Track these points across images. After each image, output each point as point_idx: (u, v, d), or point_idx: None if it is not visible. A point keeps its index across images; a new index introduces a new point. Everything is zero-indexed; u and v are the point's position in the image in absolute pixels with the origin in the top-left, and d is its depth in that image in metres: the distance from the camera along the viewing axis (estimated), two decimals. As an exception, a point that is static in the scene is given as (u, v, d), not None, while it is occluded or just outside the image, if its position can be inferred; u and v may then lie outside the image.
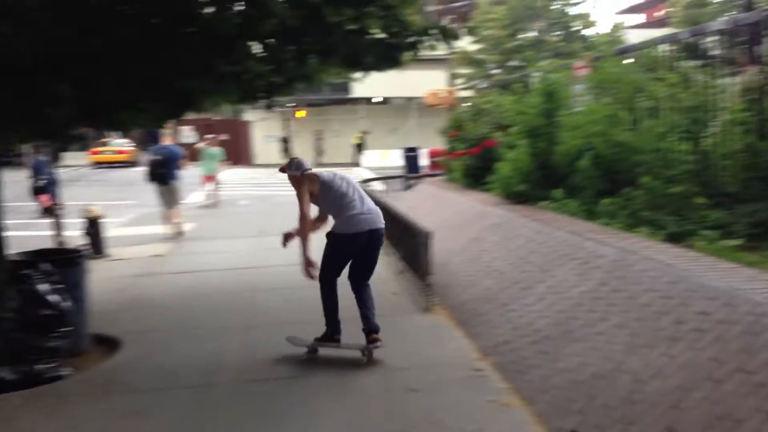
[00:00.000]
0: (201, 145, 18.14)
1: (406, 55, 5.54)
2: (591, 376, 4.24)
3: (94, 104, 4.72)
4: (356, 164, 35.00)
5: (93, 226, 10.71)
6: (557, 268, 5.73)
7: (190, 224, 14.36)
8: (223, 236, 12.77)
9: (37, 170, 11.81)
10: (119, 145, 38.30)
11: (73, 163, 38.42)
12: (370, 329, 5.48)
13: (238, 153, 38.31)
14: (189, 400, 4.85)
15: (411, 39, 5.28)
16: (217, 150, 17.60)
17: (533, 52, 25.21)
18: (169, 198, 12.27)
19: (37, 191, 12.03)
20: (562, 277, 5.54)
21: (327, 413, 4.49)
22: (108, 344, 6.28)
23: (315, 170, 5.87)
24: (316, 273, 5.69)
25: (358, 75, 5.83)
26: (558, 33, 32.01)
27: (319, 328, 5.73)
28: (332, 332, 5.67)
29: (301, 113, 35.66)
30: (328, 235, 5.76)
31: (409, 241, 7.80)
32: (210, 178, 17.61)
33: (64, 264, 5.86)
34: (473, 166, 10.88)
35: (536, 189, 8.21)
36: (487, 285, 6.57)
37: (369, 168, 31.76)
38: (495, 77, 27.26)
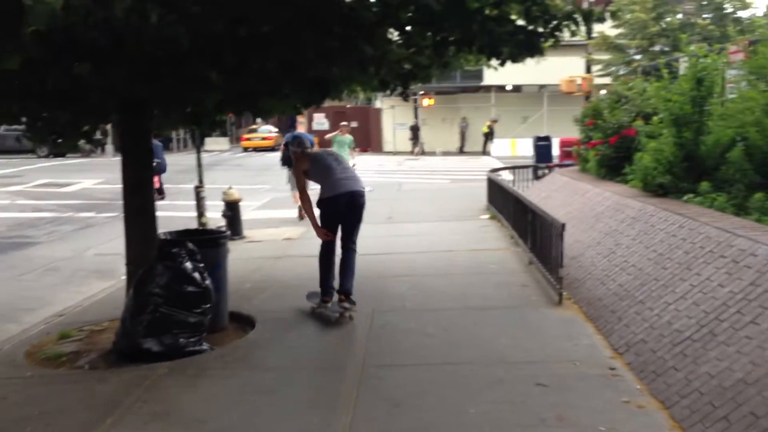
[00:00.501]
0: (334, 133, 18.54)
1: (547, 43, 5.36)
2: (738, 381, 3.95)
3: (240, 91, 4.92)
4: (485, 153, 34.63)
5: (231, 209, 11.24)
6: (702, 266, 5.38)
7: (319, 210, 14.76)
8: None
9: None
10: (267, 131, 40.05)
11: (214, 149, 40.65)
12: (342, 291, 6.40)
13: (368, 140, 38.97)
14: (317, 381, 4.98)
15: (552, 25, 5.10)
16: (348, 137, 17.95)
17: (681, 35, 23.88)
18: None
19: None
20: (707, 276, 5.19)
21: (455, 402, 4.47)
22: (243, 322, 6.57)
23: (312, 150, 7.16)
24: (331, 236, 6.64)
25: (494, 63, 5.73)
26: (708, 15, 30.06)
27: (454, 316, 5.72)
28: (323, 293, 6.63)
29: (430, 101, 35.65)
30: (318, 203, 6.64)
31: (539, 232, 7.61)
32: None
33: (207, 244, 6.18)
34: (609, 156, 10.42)
35: (679, 181, 7.74)
36: (623, 281, 6.29)
37: (498, 157, 31.34)
38: (636, 63, 25.99)
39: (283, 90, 5.61)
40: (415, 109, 36.39)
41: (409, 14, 4.76)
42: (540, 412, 4.26)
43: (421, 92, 33.64)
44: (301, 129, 14.27)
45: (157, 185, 13.83)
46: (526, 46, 5.24)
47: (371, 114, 41.28)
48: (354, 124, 40.83)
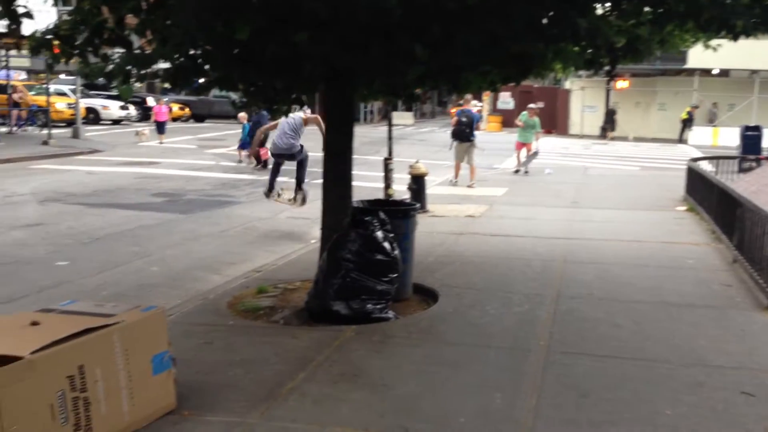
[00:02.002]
0: (523, 113, 18.28)
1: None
2: None
3: (441, 65, 4.93)
4: (682, 141, 32.40)
5: (417, 183, 11.41)
6: None
7: (502, 189, 14.61)
8: (535, 204, 12.75)
9: (257, 124, 15.40)
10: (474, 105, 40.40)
11: (399, 123, 41.50)
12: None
13: (553, 122, 37.89)
14: (499, 361, 4.93)
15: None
16: (536, 119, 17.65)
17: None
18: (466, 154, 14.99)
19: (261, 143, 15.74)
20: None
21: (649, 400, 4.24)
22: (427, 295, 6.67)
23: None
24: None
25: (715, 43, 5.24)
26: None
27: (646, 310, 5.41)
28: (270, 188, 11.53)
29: (623, 84, 33.83)
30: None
31: (747, 227, 6.99)
32: (524, 145, 17.76)
33: (398, 215, 6.32)
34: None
35: None
36: None
37: (697, 146, 29.20)
38: None
39: (485, 65, 5.55)
40: (608, 91, 34.72)
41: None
42: (745, 422, 3.94)
43: (616, 74, 32.02)
44: (467, 106, 15.56)
45: (264, 155, 15.69)
46: (765, 21, 4.73)
47: (559, 95, 40.01)
48: (540, 105, 40.03)
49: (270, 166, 12.84)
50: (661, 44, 5.74)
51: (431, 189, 13.63)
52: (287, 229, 10.48)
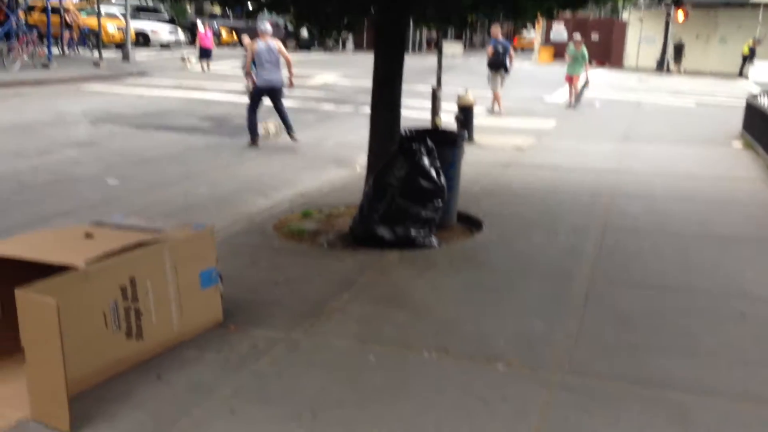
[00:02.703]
0: (568, 44, 17.79)
1: None
2: None
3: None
4: (742, 76, 31.13)
5: (464, 113, 11.28)
6: None
7: (551, 122, 14.34)
8: (585, 137, 12.51)
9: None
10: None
11: (448, 53, 40.73)
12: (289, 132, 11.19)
13: (608, 54, 36.76)
14: (542, 289, 4.94)
15: None
16: (583, 50, 17.13)
17: None
18: (499, 81, 15.27)
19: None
20: None
21: (689, 329, 4.23)
22: (471, 223, 6.66)
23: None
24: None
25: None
26: None
27: (692, 243, 5.32)
28: (252, 135, 10.96)
29: (683, 15, 32.42)
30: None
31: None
32: (572, 78, 17.30)
33: (445, 143, 6.28)
34: None
35: None
36: None
37: (757, 83, 28.03)
38: None
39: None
40: (667, 23, 33.35)
41: None
42: (789, 354, 3.90)
43: (677, 3, 30.67)
44: (500, 37, 15.35)
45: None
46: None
47: (615, 27, 38.62)
48: (594, 37, 38.71)
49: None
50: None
51: (478, 120, 13.47)
52: (333, 155, 10.52)
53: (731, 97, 21.00)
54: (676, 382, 3.57)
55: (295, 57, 26.27)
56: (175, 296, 3.82)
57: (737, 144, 11.63)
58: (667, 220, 6.79)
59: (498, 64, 15.10)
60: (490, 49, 15.44)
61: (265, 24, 11.10)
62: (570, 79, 17.45)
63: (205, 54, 24.26)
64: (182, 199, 7.65)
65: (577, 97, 17.38)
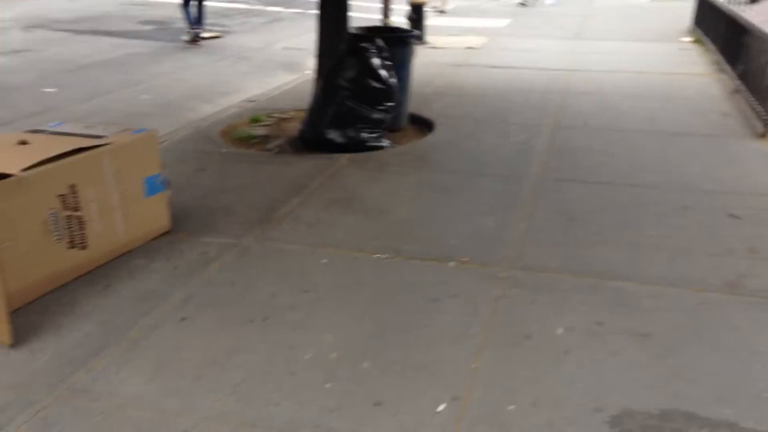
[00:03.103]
0: None
1: None
2: None
3: None
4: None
5: (417, 12, 10.98)
6: None
7: (504, 21, 14.10)
8: (537, 35, 12.36)
9: None
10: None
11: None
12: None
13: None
14: (494, 188, 4.96)
15: None
16: None
17: None
18: None
19: None
20: None
21: (634, 223, 4.31)
22: (423, 125, 6.60)
23: None
24: None
25: None
26: None
27: (641, 138, 5.37)
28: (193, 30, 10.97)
29: None
30: None
31: (754, 56, 6.79)
32: None
33: (395, 43, 6.11)
34: None
35: None
36: None
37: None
38: None
39: None
40: None
41: None
42: (729, 242, 4.02)
43: None
44: None
45: None
46: None
47: None
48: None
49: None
50: None
51: (431, 20, 13.16)
52: (282, 59, 10.22)
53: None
54: (618, 271, 3.67)
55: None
56: (119, 204, 3.73)
57: (687, 39, 11.64)
58: (617, 116, 6.82)
59: None
60: None
61: None
62: None
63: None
64: (124, 107, 7.39)
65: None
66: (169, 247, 3.90)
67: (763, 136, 5.99)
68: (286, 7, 15.94)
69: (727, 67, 8.18)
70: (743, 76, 7.21)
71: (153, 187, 3.95)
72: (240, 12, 14.92)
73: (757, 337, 3.06)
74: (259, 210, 4.48)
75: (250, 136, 6.18)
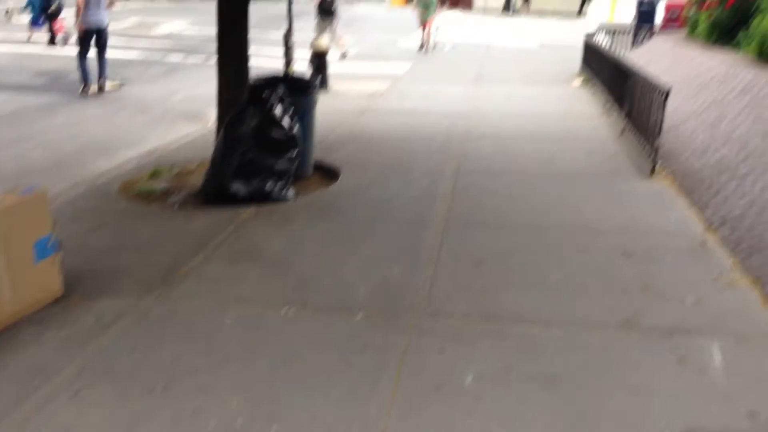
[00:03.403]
0: None
1: None
2: (844, 267, 3.73)
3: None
4: (582, 14, 32.65)
5: (319, 60, 11.08)
6: (817, 143, 4.99)
7: (405, 66, 14.42)
8: (438, 80, 12.69)
9: None
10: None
11: (300, -1, 39.82)
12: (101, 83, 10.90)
13: (457, -3, 37.25)
14: (399, 235, 4.99)
15: None
16: None
17: None
18: (333, 26, 14.74)
19: (50, 17, 15.38)
20: (822, 154, 4.83)
21: (537, 265, 4.42)
22: (328, 173, 6.60)
23: None
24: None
25: None
26: None
27: (540, 180, 5.55)
28: (85, 82, 10.71)
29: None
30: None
31: (638, 98, 7.19)
32: (425, 23, 17.38)
33: (297, 91, 6.11)
34: (723, 20, 9.57)
35: (801, 51, 7.09)
36: (724, 154, 5.93)
37: (596, 20, 29.51)
38: None
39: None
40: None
41: None
42: (625, 280, 4.18)
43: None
44: None
45: (60, 30, 15.25)
46: None
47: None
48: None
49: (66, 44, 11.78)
50: None
51: (335, 67, 13.31)
52: (183, 109, 10.04)
53: (572, 36, 22.01)
54: (524, 315, 3.74)
55: (139, 5, 24.88)
56: (5, 270, 3.51)
57: (577, 82, 12.23)
58: (517, 159, 7.05)
59: (327, 12, 14.69)
60: None
61: None
62: (423, 24, 17.54)
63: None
64: (16, 165, 7.05)
65: (429, 40, 17.54)
66: (61, 314, 3.70)
67: (651, 175, 6.31)
68: (187, 57, 15.76)
69: (615, 109, 8.62)
70: (629, 117, 7.61)
71: (43, 250, 3.75)
72: (138, 62, 14.64)
73: (655, 375, 3.17)
74: (160, 269, 4.32)
75: (151, 190, 6.00)
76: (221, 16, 5.80)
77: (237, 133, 5.69)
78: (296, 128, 5.83)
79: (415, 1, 17.72)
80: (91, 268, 4.29)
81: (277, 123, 5.74)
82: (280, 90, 5.84)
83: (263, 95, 5.75)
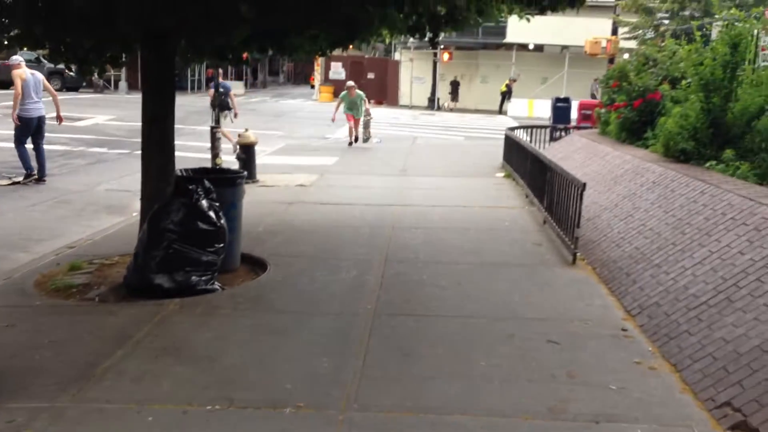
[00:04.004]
0: (342, 93, 18.15)
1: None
2: (754, 348, 3.91)
3: (267, 27, 4.77)
4: (501, 112, 34.23)
5: (246, 152, 11.16)
6: (722, 232, 5.29)
7: (333, 159, 14.68)
8: (365, 172, 12.93)
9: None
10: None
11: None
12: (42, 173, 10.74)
13: (384, 92, 38.54)
14: (328, 326, 4.96)
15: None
16: (357, 95, 17.40)
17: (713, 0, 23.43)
18: (227, 120, 15.41)
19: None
20: (727, 243, 5.12)
21: (466, 354, 4.45)
22: (255, 264, 6.55)
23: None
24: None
25: (528, 15, 5.51)
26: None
27: (467, 270, 5.66)
28: (28, 172, 10.61)
29: (447, 56, 35.05)
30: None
31: (557, 191, 7.51)
32: (354, 118, 17.59)
33: (224, 184, 6.13)
34: (632, 119, 10.22)
35: (703, 148, 7.61)
36: (639, 244, 6.22)
37: (514, 117, 30.98)
38: (664, 27, 25.41)
39: (312, 28, 5.47)
40: (434, 63, 35.86)
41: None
42: (551, 368, 4.24)
43: (441, 46, 33.06)
44: (222, 79, 16.32)
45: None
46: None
47: (389, 66, 40.74)
48: (370, 76, 40.52)
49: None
50: (479, 14, 5.91)
51: (263, 159, 13.43)
52: (105, 202, 9.85)
53: (493, 131, 22.99)
54: (454, 405, 3.73)
55: (62, 97, 24.75)
56: None
57: (500, 174, 12.69)
58: (444, 249, 7.18)
59: (222, 105, 15.20)
60: (211, 91, 15.77)
61: (18, 54, 10.47)
62: (351, 119, 17.84)
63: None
64: None
65: (358, 135, 17.85)
66: (-33, 418, 3.47)
67: (572, 264, 6.53)
68: (110, 148, 15.60)
69: (536, 201, 8.96)
70: (549, 209, 7.92)
71: (-50, 350, 3.55)
72: (60, 153, 14.37)
73: (584, 462, 3.19)
74: (78, 367, 4.14)
75: (69, 285, 5.80)
76: (146, 112, 5.83)
77: (162, 226, 5.62)
78: (222, 220, 5.81)
79: (339, 99, 18.06)
80: (3, 367, 4.06)
81: (203, 215, 5.71)
82: (206, 183, 5.84)
83: (189, 187, 5.73)
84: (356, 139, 17.52)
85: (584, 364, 4.33)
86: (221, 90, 15.07)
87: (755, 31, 7.99)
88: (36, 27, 4.93)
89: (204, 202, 5.74)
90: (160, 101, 5.80)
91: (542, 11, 5.17)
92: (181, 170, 6.21)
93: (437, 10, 5.25)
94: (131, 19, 4.67)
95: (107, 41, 5.20)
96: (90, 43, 5.14)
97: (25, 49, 6.23)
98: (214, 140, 10.85)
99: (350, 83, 17.98)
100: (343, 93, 17.62)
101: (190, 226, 5.64)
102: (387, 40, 8.78)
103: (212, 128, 11.01)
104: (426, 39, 6.47)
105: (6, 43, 5.84)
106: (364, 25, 5.71)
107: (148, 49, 5.59)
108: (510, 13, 6.18)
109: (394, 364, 4.29)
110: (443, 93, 36.63)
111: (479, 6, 5.89)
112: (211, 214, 5.74)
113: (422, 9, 5.12)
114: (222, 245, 5.80)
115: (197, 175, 6.20)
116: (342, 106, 17.50)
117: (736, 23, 7.55)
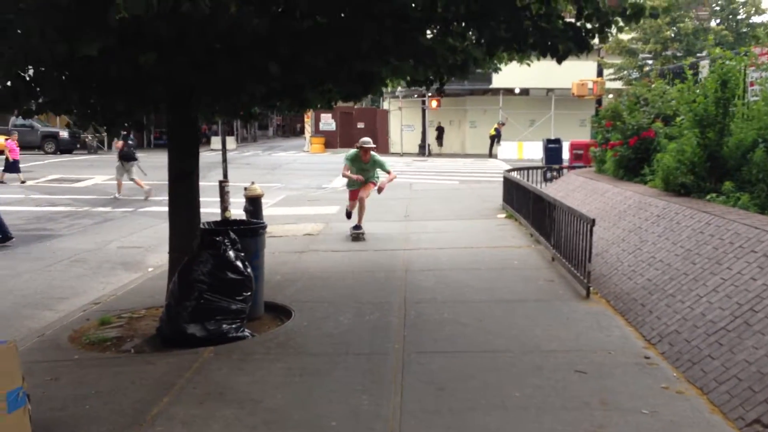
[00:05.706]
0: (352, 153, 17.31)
1: (594, 39, 5.49)
2: (776, 368, 4.11)
3: (288, 83, 5.06)
4: (492, 156, 34.78)
5: (253, 204, 11.38)
6: (732, 260, 5.54)
7: (334, 207, 14.93)
8: (369, 219, 13.14)
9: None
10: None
11: (219, 147, 40.78)
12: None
13: (375, 141, 38.99)
14: (361, 366, 5.13)
15: (602, 22, 5.22)
16: (376, 160, 14.13)
17: (695, 40, 24.21)
18: (133, 171, 17.56)
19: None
20: (738, 270, 5.36)
21: (498, 386, 4.62)
22: (279, 311, 6.73)
23: None
24: None
25: (535, 61, 5.83)
26: (722, 21, 30.53)
27: (485, 307, 5.85)
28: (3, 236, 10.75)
29: (435, 103, 35.77)
30: None
31: (563, 228, 7.77)
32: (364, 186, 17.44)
33: (247, 234, 6.35)
34: (628, 157, 10.58)
35: (702, 181, 7.92)
36: (651, 276, 6.45)
37: (505, 160, 31.50)
38: (648, 68, 26.13)
39: (327, 84, 5.77)
40: (423, 111, 36.55)
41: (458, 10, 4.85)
42: (582, 396, 4.42)
43: (429, 94, 33.74)
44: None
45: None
46: (577, 43, 5.37)
47: (378, 115, 41.47)
48: (360, 125, 41.19)
49: None
50: (478, 63, 6.19)
51: (266, 211, 13.64)
52: (119, 258, 10.03)
53: (486, 174, 23.40)
54: (497, 435, 3.90)
55: (57, 159, 24.93)
56: (-23, 425, 3.44)
57: (501, 215, 12.97)
58: (459, 288, 7.38)
59: (129, 156, 17.50)
60: (121, 143, 17.47)
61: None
62: (355, 195, 16.33)
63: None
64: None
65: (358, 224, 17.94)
66: (35, 466, 3.60)
67: (587, 297, 6.75)
68: (114, 207, 15.82)
69: (542, 239, 9.21)
70: (557, 246, 8.16)
71: (15, 401, 3.69)
72: (65, 214, 14.57)
73: (630, 478, 3.35)
74: (128, 414, 4.28)
75: (103, 339, 5.95)
76: (172, 172, 6.07)
77: (192, 277, 5.80)
78: (249, 269, 6.01)
79: (345, 164, 13.86)
80: (56, 417, 4.21)
81: (231, 265, 5.91)
82: (232, 234, 6.06)
83: (216, 239, 5.95)
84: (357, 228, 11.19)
85: (614, 391, 4.51)
86: (129, 142, 17.46)
87: (743, 67, 8.39)
88: (73, 93, 5.18)
89: (231, 253, 5.95)
90: (186, 159, 6.05)
91: (560, 60, 5.48)
92: (204, 223, 6.43)
93: (456, 61, 5.54)
94: (163, 81, 4.94)
95: (137, 104, 5.46)
96: (121, 107, 5.40)
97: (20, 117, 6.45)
98: (223, 193, 11.08)
99: (366, 141, 11.54)
100: (352, 153, 11.63)
101: (219, 276, 5.83)
102: (390, 89, 9.06)
103: (221, 182, 11.25)
104: (434, 87, 6.75)
105: (34, 109, 6.06)
106: (379, 79, 6.02)
107: (174, 110, 5.86)
108: (520, 61, 6.52)
109: (431, 399, 4.46)
110: (433, 139, 37.31)
111: (478, 57, 6.15)
112: (239, 263, 5.95)
113: (439, 59, 5.42)
114: (249, 293, 5.99)
115: (222, 227, 6.42)
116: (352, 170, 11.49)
117: (728, 62, 7.93)
